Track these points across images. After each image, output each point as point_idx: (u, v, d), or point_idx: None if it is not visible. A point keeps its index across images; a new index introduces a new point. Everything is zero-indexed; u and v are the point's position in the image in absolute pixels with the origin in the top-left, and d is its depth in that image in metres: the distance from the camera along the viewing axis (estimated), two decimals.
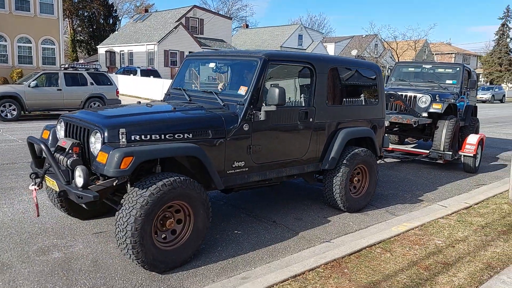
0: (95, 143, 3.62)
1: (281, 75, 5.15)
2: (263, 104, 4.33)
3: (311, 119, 4.89)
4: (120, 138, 3.50)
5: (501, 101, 41.34)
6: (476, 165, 8.20)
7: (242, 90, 4.36)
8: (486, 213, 5.42)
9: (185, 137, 3.86)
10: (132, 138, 3.59)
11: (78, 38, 46.81)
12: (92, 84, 14.96)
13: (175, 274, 3.64)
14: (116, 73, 27.53)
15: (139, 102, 5.00)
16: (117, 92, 15.76)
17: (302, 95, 5.12)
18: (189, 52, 33.65)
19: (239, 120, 4.21)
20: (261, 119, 4.30)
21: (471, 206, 5.73)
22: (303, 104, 4.97)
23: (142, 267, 3.53)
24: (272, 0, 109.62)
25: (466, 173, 8.17)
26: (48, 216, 4.80)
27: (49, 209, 4.97)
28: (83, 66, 15.35)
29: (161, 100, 5.23)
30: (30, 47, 24.12)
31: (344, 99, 5.43)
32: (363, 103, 5.69)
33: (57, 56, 25.25)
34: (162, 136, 3.74)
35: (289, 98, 4.91)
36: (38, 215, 4.02)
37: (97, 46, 40.90)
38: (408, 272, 3.71)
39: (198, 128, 3.95)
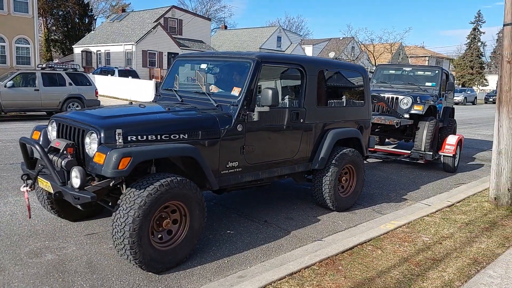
0: (91, 144, 3.60)
1: (272, 76, 5.22)
2: (256, 105, 4.38)
3: (301, 120, 4.97)
4: (117, 138, 3.49)
5: (473, 103, 42.58)
6: (455, 164, 8.47)
7: (236, 91, 4.40)
8: (468, 211, 5.62)
9: (181, 137, 3.88)
10: (129, 139, 3.59)
11: (52, 37, 45.78)
12: (70, 84, 14.70)
13: (172, 274, 3.66)
14: (93, 73, 27.08)
15: (131, 102, 4.98)
16: (96, 93, 15.53)
17: (293, 97, 5.20)
18: (168, 52, 33.61)
19: (233, 120, 4.25)
20: (254, 119, 4.35)
21: (453, 204, 5.93)
22: (294, 105, 5.05)
23: (140, 267, 3.53)
24: (250, 1, 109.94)
25: (445, 172, 8.42)
26: (38, 218, 4.72)
27: (38, 210, 4.89)
28: (61, 66, 15.05)
29: (152, 101, 5.21)
30: (4, 46, 23.46)
31: (333, 101, 5.54)
32: (351, 105, 5.81)
33: (32, 56, 24.65)
34: (159, 136, 3.75)
35: (281, 99, 4.98)
36: (29, 217, 3.97)
37: (72, 46, 40.12)
38: (400, 268, 3.83)
39: (194, 129, 3.97)
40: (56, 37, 46.68)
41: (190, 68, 5.34)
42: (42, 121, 13.92)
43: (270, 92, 4.19)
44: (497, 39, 60.84)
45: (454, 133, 9.83)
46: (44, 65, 14.74)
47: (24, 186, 3.85)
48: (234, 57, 4.83)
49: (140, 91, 22.70)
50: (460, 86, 52.18)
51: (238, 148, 4.34)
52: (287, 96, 5.10)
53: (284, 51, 44.54)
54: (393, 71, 10.27)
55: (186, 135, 3.92)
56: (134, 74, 27.14)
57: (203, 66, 5.08)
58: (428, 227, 4.96)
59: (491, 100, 44.93)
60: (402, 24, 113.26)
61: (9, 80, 13.58)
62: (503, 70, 5.63)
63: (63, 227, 4.53)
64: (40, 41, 33.65)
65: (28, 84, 14.02)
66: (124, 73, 26.79)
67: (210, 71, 5.09)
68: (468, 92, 43.22)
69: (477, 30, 59.77)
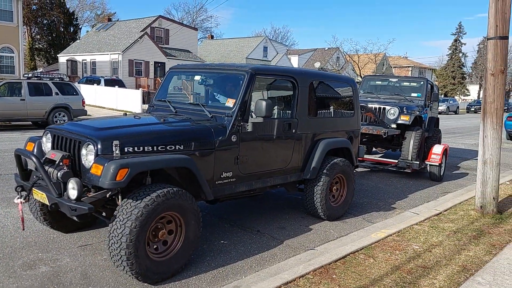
0: (87, 155, 3.61)
1: (265, 88, 5.31)
2: (250, 116, 4.46)
3: (293, 130, 5.06)
4: (114, 150, 3.52)
5: (456, 112, 43.42)
6: (441, 173, 8.65)
7: (230, 103, 4.47)
8: (456, 219, 5.75)
9: (177, 148, 3.92)
10: (125, 150, 3.61)
11: (36, 46, 45.35)
12: (57, 94, 14.58)
13: (168, 285, 3.67)
14: (78, 83, 26.85)
15: (125, 114, 5.00)
16: (83, 103, 15.43)
17: (284, 107, 5.28)
18: (155, 62, 33.57)
19: (228, 131, 4.31)
20: (248, 130, 4.42)
21: (441, 213, 6.06)
22: (286, 116, 5.13)
23: (136, 278, 3.53)
24: (236, 12, 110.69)
25: (432, 181, 8.59)
26: (30, 230, 4.69)
27: (30, 222, 4.85)
28: (47, 76, 14.93)
29: (145, 112, 5.24)
30: None
31: (324, 111, 5.65)
32: (340, 115, 5.93)
33: (17, 65, 24.41)
34: (155, 147, 3.79)
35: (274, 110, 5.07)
36: (23, 229, 3.94)
37: (57, 55, 39.76)
38: (392, 276, 3.91)
39: (189, 140, 4.02)
40: (40, 46, 46.26)
41: (184, 79, 5.39)
42: (28, 131, 13.76)
43: (264, 103, 4.27)
44: (477, 50, 62.37)
45: (439, 142, 10.04)
46: (30, 75, 14.61)
47: (18, 198, 3.83)
48: (228, 69, 4.90)
49: (126, 101, 22.60)
50: (442, 96, 53.17)
51: (232, 159, 4.40)
52: (277, 107, 5.19)
53: (270, 61, 44.87)
54: (380, 82, 10.48)
55: (182, 146, 3.96)
56: (120, 84, 27.01)
57: (197, 77, 5.14)
58: (418, 235, 5.07)
59: (473, 109, 45.91)
60: (386, 35, 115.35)
61: None
62: (487, 82, 5.81)
63: (56, 238, 4.51)
64: (24, 50, 33.31)
65: (14, 93, 13.86)
66: (110, 83, 26.62)
67: (203, 82, 5.15)
68: (450, 102, 44.09)
69: (458, 41, 61.20)
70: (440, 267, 4.16)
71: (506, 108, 41.07)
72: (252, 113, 4.47)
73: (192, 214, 3.81)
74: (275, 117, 4.98)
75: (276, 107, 5.12)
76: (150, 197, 3.46)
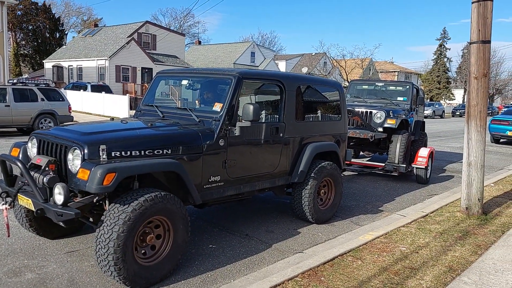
0: (74, 160, 3.59)
1: (253, 92, 5.33)
2: (238, 120, 4.47)
3: (281, 134, 5.08)
4: (101, 154, 3.50)
5: (441, 116, 43.97)
6: (428, 176, 8.75)
7: (217, 107, 4.48)
8: (442, 221, 5.82)
9: (164, 152, 3.91)
10: (113, 155, 3.60)
11: (21, 52, 44.85)
12: (42, 100, 14.41)
13: None
14: (65, 89, 26.59)
15: (112, 118, 4.98)
16: (70, 108, 15.28)
17: (271, 111, 5.31)
18: (142, 67, 33.43)
19: (215, 135, 4.32)
20: (236, 134, 4.43)
21: (427, 215, 6.13)
22: (274, 120, 5.15)
23: (124, 283, 3.50)
24: (223, 17, 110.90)
25: (418, 184, 8.68)
26: (15, 237, 4.62)
27: (15, 229, 4.78)
28: (33, 82, 14.77)
29: (133, 117, 5.22)
30: None
31: (311, 115, 5.69)
32: (328, 119, 5.98)
33: (1, 71, 24.09)
34: (142, 152, 3.77)
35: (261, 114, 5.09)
36: (8, 236, 3.87)
37: (43, 61, 39.39)
38: (380, 277, 3.94)
39: (177, 144, 4.02)
40: (25, 51, 45.78)
41: (171, 84, 5.39)
42: (12, 137, 13.58)
43: (251, 107, 4.29)
44: (462, 55, 63.36)
45: (425, 145, 10.17)
46: (15, 81, 14.44)
47: (3, 204, 3.78)
48: (215, 74, 4.92)
49: (113, 106, 22.44)
50: (428, 100, 53.84)
51: (220, 163, 4.40)
52: (265, 111, 5.21)
53: (258, 66, 45.00)
54: (366, 86, 10.58)
55: (170, 150, 3.95)
56: (107, 89, 26.81)
57: (184, 82, 5.14)
58: (405, 237, 5.12)
59: (458, 113, 46.54)
60: (372, 40, 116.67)
61: None
62: (471, 85, 5.92)
63: (42, 245, 4.45)
64: (8, 55, 32.90)
65: None
66: (97, 88, 26.40)
67: (191, 87, 5.15)
68: (436, 106, 44.64)
69: (443, 46, 62.12)
70: (427, 267, 4.21)
71: (490, 112, 41.79)
72: (240, 118, 4.49)
73: (180, 218, 3.80)
74: (263, 121, 5.00)
75: (263, 111, 5.14)
76: (137, 202, 3.44)
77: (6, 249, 4.33)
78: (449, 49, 67.59)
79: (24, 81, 14.58)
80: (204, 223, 5.48)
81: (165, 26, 45.34)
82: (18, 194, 3.76)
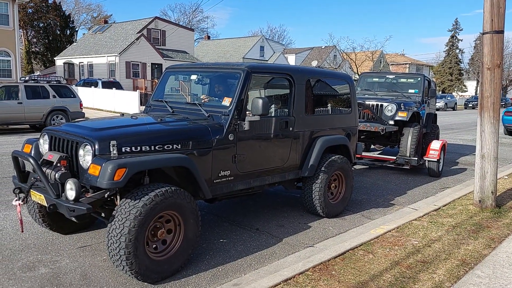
0: (85, 156, 3.61)
1: (262, 86, 5.31)
2: (247, 114, 4.46)
3: (291, 128, 5.06)
4: (111, 150, 3.52)
5: (453, 108, 43.46)
6: (440, 169, 8.66)
7: (227, 101, 4.47)
8: (454, 214, 5.76)
9: (174, 147, 3.92)
10: (123, 150, 3.62)
11: (33, 49, 45.27)
12: (54, 97, 14.55)
13: (168, 284, 3.67)
14: (76, 85, 26.82)
15: (122, 114, 5.00)
16: (81, 105, 15.42)
17: (281, 106, 5.29)
18: (152, 63, 33.55)
19: (225, 130, 4.31)
20: (245, 129, 4.42)
21: (440, 208, 6.07)
22: (283, 114, 5.13)
23: (135, 278, 3.53)
24: (232, 12, 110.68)
25: (430, 177, 8.60)
26: (29, 232, 4.68)
27: (28, 224, 4.84)
28: (44, 79, 14.91)
29: (143, 112, 5.24)
30: None
31: (321, 109, 5.65)
32: (338, 112, 5.93)
33: (13, 68, 24.39)
34: (152, 147, 3.79)
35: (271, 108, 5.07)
36: (22, 231, 3.93)
37: (54, 58, 39.74)
38: (392, 271, 3.91)
39: (186, 139, 4.02)
40: (37, 49, 46.19)
41: (180, 79, 5.39)
42: (25, 134, 13.74)
43: (260, 101, 4.27)
44: (474, 46, 62.42)
45: (437, 138, 10.06)
46: (27, 78, 14.58)
47: (17, 200, 3.82)
48: (224, 68, 4.91)
49: (124, 103, 22.57)
50: (440, 92, 53.24)
51: (230, 157, 4.40)
52: (274, 105, 5.19)
53: (267, 60, 44.89)
54: (377, 79, 10.48)
55: (179, 145, 3.96)
56: (117, 86, 26.99)
57: (193, 77, 5.14)
58: (417, 230, 5.08)
59: (471, 105, 45.94)
60: (382, 33, 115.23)
61: None
62: (484, 77, 5.83)
63: (55, 240, 4.51)
64: (20, 53, 33.29)
65: (11, 97, 13.83)
66: (107, 85, 26.61)
67: (200, 81, 5.15)
68: (448, 98, 44.11)
69: (455, 37, 61.29)
70: (439, 261, 4.17)
71: (503, 103, 41.19)
72: (249, 112, 4.47)
73: (190, 213, 3.81)
74: (272, 115, 4.98)
75: (273, 105, 5.12)
76: (148, 197, 3.46)
77: (20, 244, 4.39)
78: (461, 40, 66.89)
79: (36, 78, 14.72)
80: (215, 217, 5.50)
81: (174, 22, 45.35)
82: (31, 190, 3.80)
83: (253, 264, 4.16)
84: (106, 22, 43.67)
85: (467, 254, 4.36)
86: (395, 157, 8.66)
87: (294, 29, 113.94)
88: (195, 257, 4.20)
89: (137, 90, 24.50)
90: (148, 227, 3.50)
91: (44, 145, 4.13)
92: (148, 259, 3.54)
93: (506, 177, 8.39)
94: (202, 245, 4.52)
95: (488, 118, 5.81)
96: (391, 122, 8.45)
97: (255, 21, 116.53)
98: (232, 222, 5.34)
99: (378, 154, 10.07)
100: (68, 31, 46.92)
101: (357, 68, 41.09)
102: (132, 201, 3.43)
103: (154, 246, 3.71)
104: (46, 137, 4.11)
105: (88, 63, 35.03)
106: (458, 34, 61.18)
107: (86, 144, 3.59)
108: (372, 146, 11.07)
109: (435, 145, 8.51)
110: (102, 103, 24.15)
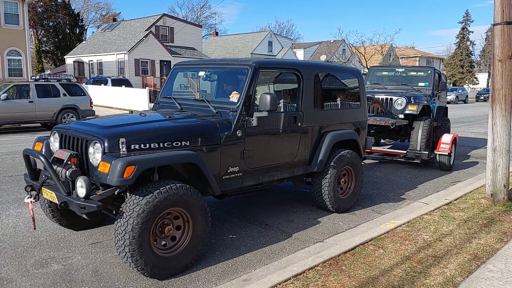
0: (94, 154, 3.64)
1: (270, 81, 5.29)
2: (255, 110, 4.45)
3: (299, 124, 5.04)
4: (120, 147, 3.54)
5: (465, 101, 42.95)
6: (451, 163, 8.58)
7: (234, 97, 4.47)
8: (466, 208, 5.71)
9: (183, 144, 3.93)
10: (132, 147, 3.64)
11: (43, 48, 45.69)
12: (65, 95, 14.67)
13: (178, 280, 3.70)
14: (86, 83, 27.03)
15: (131, 111, 5.03)
16: (91, 103, 15.53)
17: (289, 101, 5.27)
18: (160, 60, 33.65)
19: (233, 126, 4.31)
20: (253, 125, 4.41)
21: (451, 202, 6.01)
22: (292, 109, 5.12)
23: (143, 274, 3.55)
24: (240, 8, 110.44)
25: (441, 171, 8.52)
26: (41, 229, 4.74)
27: (41, 221, 4.90)
28: (55, 77, 15.04)
29: (152, 109, 5.27)
30: None
31: (329, 103, 5.62)
32: (347, 107, 5.90)
33: (24, 67, 24.66)
34: (161, 144, 3.80)
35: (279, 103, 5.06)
36: (34, 228, 3.98)
37: (64, 57, 40.05)
38: (402, 266, 3.89)
39: (195, 136, 4.03)
40: (47, 48, 46.60)
41: (188, 75, 5.40)
42: (37, 133, 13.90)
43: (268, 97, 4.26)
44: (485, 38, 61.58)
45: (448, 131, 9.96)
46: (37, 77, 14.73)
47: (28, 197, 3.88)
48: (231, 64, 4.90)
49: (133, 100, 22.71)
50: (451, 85, 52.65)
51: (238, 153, 4.40)
52: (282, 101, 5.17)
53: (275, 55, 44.75)
54: (386, 73, 10.39)
55: (188, 142, 3.97)
56: (127, 83, 27.15)
57: (201, 73, 5.14)
58: (428, 225, 5.04)
59: (482, 98, 45.36)
60: (392, 25, 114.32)
61: (3, 93, 13.53)
62: (495, 69, 5.74)
63: (67, 237, 4.56)
64: (31, 52, 33.62)
65: (22, 96, 13.99)
66: (117, 82, 26.77)
67: (208, 78, 5.16)
68: (459, 91, 43.60)
69: (465, 29, 60.54)
70: (451, 256, 4.14)
71: None
72: (258, 108, 4.47)
73: (198, 209, 3.81)
74: (281, 110, 4.97)
75: (281, 100, 5.10)
76: (151, 194, 3.46)
77: (33, 241, 4.45)
78: (472, 32, 65.89)
79: (46, 77, 14.86)
80: (224, 213, 5.51)
81: (182, 18, 45.43)
82: (42, 188, 3.85)
83: (263, 259, 4.17)
84: (114, 20, 43.89)
85: (479, 249, 4.32)
86: (405, 151, 8.59)
87: (302, 23, 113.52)
88: (205, 252, 4.22)
89: (146, 87, 24.61)
90: (152, 224, 3.50)
91: (54, 143, 4.17)
92: (154, 256, 3.55)
93: None
94: (212, 241, 4.54)
95: (500, 110, 5.73)
96: (401, 116, 8.38)
97: (263, 16, 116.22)
98: (241, 218, 5.35)
99: (388, 148, 10.00)
100: (77, 30, 47.22)
101: (366, 62, 40.78)
102: (136, 198, 3.44)
103: (163, 242, 3.72)
104: (56, 135, 4.15)
105: (98, 61, 35.26)
106: (469, 26, 60.48)
107: (96, 142, 3.61)
108: (382, 141, 11.01)
109: (446, 138, 8.43)
110: (112, 101, 24.32)
